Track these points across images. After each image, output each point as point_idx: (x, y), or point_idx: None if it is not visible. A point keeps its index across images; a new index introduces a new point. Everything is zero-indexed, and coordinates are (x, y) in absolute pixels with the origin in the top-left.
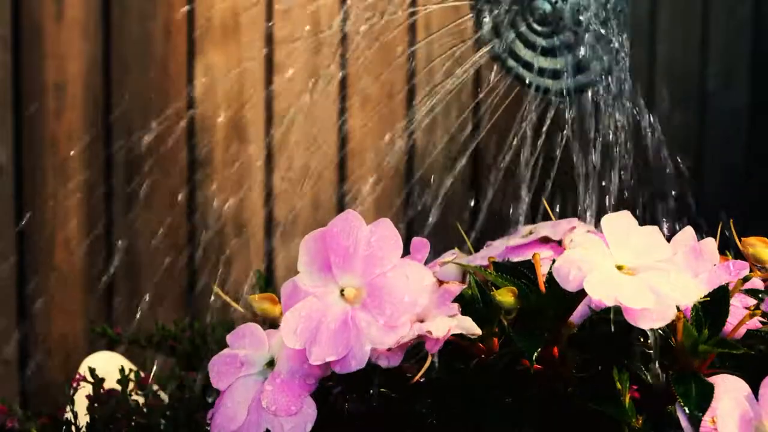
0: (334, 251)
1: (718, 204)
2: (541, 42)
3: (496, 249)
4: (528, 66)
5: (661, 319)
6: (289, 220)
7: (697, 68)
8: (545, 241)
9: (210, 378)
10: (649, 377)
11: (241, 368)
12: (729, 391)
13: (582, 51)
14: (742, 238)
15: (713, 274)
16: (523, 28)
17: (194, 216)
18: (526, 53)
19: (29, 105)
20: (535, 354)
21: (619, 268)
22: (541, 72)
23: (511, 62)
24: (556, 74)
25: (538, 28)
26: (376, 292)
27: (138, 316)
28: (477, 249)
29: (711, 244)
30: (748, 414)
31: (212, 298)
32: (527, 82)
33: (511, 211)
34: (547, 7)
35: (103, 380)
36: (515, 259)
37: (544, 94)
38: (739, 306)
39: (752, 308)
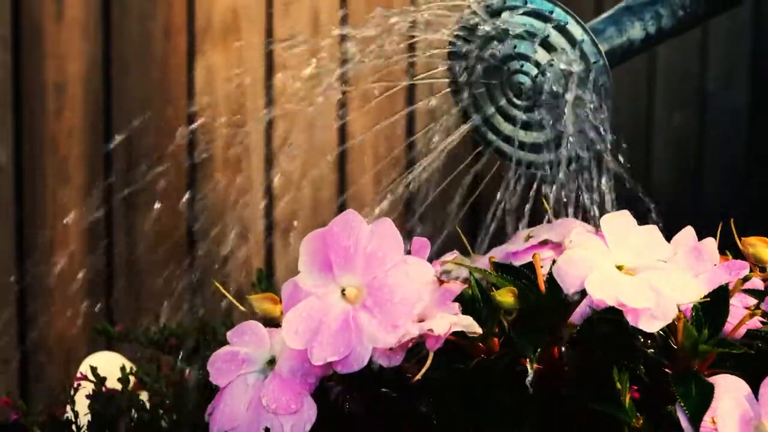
0: (335, 251)
1: (718, 204)
2: (521, 116)
3: (496, 254)
4: (508, 140)
5: (662, 318)
6: (289, 220)
7: (697, 68)
8: (545, 243)
9: (210, 374)
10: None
11: (241, 365)
12: (729, 391)
13: (562, 125)
14: (742, 238)
15: (713, 274)
16: (502, 102)
17: (194, 215)
18: (506, 127)
19: (29, 105)
20: (535, 354)
21: (619, 268)
22: (522, 146)
23: (491, 136)
24: (537, 148)
25: (518, 102)
26: (377, 291)
27: (138, 315)
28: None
29: (711, 244)
30: (748, 414)
31: (213, 296)
32: (508, 155)
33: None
34: (527, 81)
35: (104, 379)
36: (518, 263)
37: (526, 168)
38: (739, 306)
39: (752, 308)
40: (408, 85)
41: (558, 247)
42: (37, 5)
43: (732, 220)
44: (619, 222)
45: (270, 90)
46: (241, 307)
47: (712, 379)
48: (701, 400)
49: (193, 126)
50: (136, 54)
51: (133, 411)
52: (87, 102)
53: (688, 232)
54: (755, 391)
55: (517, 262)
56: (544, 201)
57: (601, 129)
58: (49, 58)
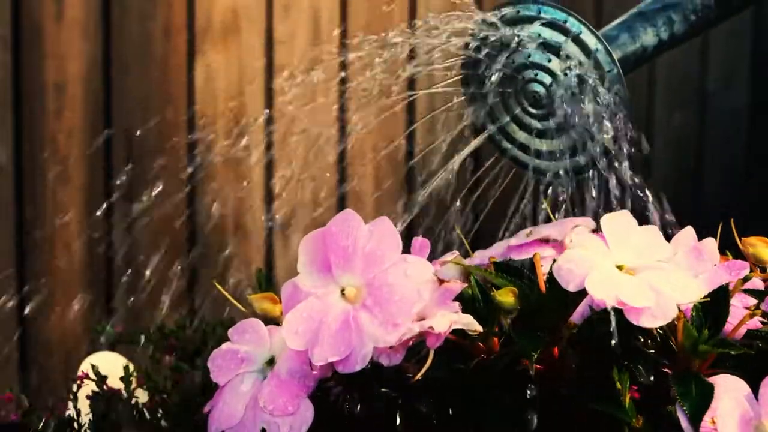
0: (334, 251)
1: (718, 204)
2: (536, 124)
3: (496, 249)
4: (524, 148)
5: (662, 317)
6: (289, 220)
7: (697, 68)
8: (546, 241)
9: (210, 372)
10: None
11: (241, 364)
12: (729, 391)
13: (577, 133)
14: (742, 238)
15: (713, 274)
16: (517, 111)
17: (194, 216)
18: (521, 135)
19: (29, 105)
20: (536, 354)
21: (620, 268)
22: (537, 154)
23: (506, 144)
24: (552, 156)
25: (533, 111)
26: (377, 290)
27: (138, 315)
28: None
29: (711, 244)
30: (748, 414)
31: (212, 296)
32: (523, 163)
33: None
34: (541, 89)
35: (105, 378)
36: (516, 258)
37: (542, 175)
38: (739, 306)
39: (752, 308)
40: (410, 92)
41: (559, 244)
42: (37, 5)
43: (732, 220)
44: (619, 222)
45: (270, 90)
46: (241, 307)
47: (712, 379)
48: (701, 400)
49: (193, 126)
50: (136, 54)
51: (135, 411)
52: (87, 102)
53: (688, 232)
54: (755, 391)
55: (517, 257)
56: (546, 204)
57: (617, 136)
58: (49, 58)
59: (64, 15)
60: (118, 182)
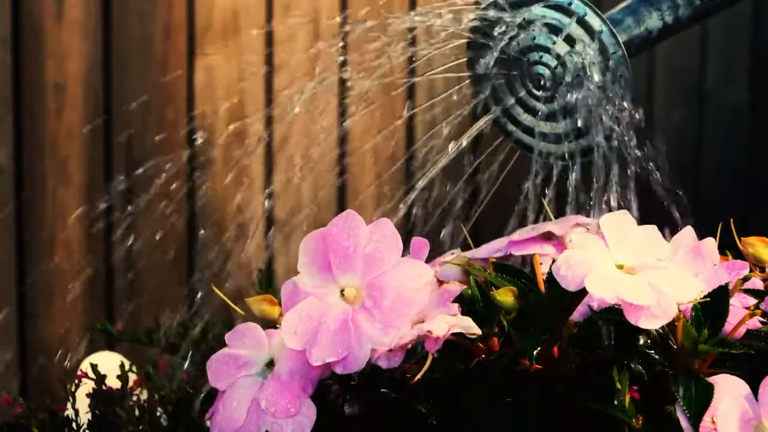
0: (334, 251)
1: (718, 203)
2: (541, 106)
3: (497, 244)
4: (528, 130)
5: (662, 316)
6: (289, 220)
7: (696, 65)
8: (548, 237)
9: (208, 377)
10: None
11: (240, 368)
12: (729, 391)
13: (582, 116)
14: (742, 238)
15: (713, 274)
16: (522, 93)
17: (194, 215)
18: (525, 118)
19: (29, 105)
20: (535, 354)
21: (619, 267)
22: (542, 136)
23: (510, 126)
24: (557, 138)
25: (538, 93)
26: (376, 292)
27: (138, 315)
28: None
29: (711, 243)
30: (748, 414)
31: (212, 296)
32: (528, 146)
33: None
34: (546, 72)
35: (105, 377)
36: (518, 253)
37: (546, 158)
38: (739, 306)
39: (752, 308)
40: (410, 82)
41: (560, 240)
42: (37, 5)
43: (732, 219)
44: (618, 221)
45: (270, 90)
46: (239, 310)
47: (712, 379)
48: (701, 400)
49: (193, 126)
50: (136, 54)
51: (135, 410)
52: (87, 102)
53: (687, 232)
54: (755, 391)
55: (517, 253)
56: (544, 203)
57: (620, 118)
58: (49, 58)
59: (64, 15)
60: (118, 183)
